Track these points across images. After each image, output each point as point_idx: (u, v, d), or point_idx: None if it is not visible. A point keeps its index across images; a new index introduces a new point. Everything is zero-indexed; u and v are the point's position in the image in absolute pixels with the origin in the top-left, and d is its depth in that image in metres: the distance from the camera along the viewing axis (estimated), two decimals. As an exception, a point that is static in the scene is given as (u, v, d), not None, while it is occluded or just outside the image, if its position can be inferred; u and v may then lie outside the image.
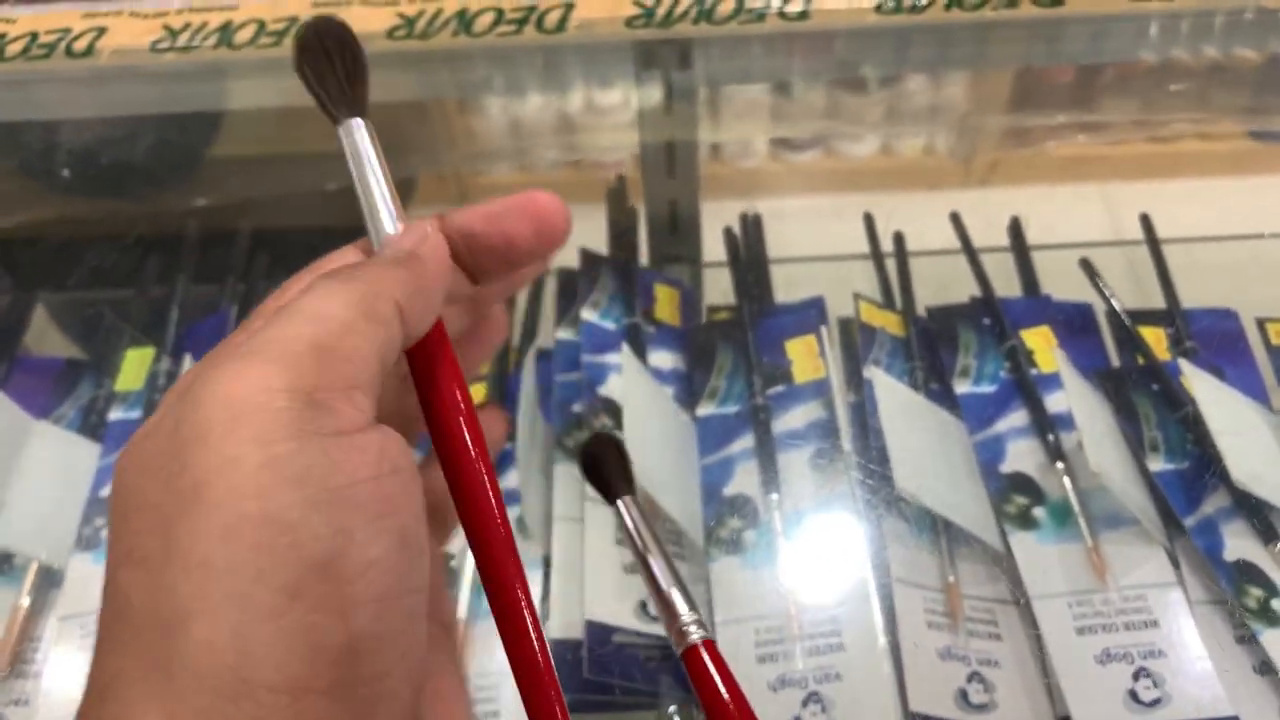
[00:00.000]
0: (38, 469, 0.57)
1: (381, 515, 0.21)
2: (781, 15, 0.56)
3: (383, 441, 0.22)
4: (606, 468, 0.41)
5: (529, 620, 0.25)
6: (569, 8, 0.58)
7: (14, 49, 0.60)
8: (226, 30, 0.59)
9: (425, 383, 0.26)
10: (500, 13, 0.58)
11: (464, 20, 0.57)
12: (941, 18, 0.56)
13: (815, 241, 0.78)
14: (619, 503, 0.40)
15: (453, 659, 0.30)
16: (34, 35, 0.60)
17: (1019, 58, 0.61)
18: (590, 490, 0.54)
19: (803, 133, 0.71)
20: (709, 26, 0.57)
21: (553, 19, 0.57)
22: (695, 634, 0.34)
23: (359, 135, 0.29)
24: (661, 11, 0.57)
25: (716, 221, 0.68)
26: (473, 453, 0.26)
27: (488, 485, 0.25)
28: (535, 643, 0.24)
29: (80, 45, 0.59)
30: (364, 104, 0.29)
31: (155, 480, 0.21)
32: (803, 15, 0.56)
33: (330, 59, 0.29)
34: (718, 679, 0.33)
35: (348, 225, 0.29)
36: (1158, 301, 0.64)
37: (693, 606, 0.35)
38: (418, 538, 0.22)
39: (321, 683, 0.19)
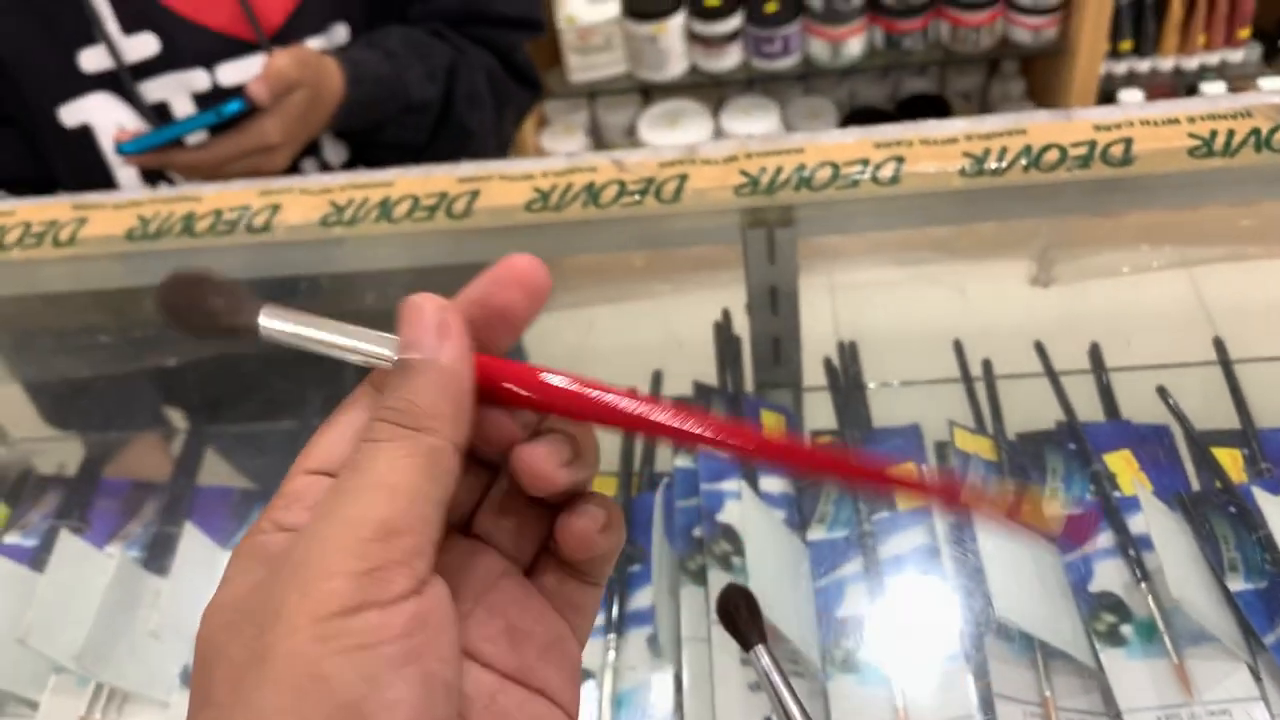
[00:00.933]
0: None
1: (407, 664, 0.27)
2: (874, 180, 0.63)
3: (422, 604, 0.28)
4: (740, 619, 0.48)
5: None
6: (683, 179, 0.65)
7: (203, 226, 0.69)
8: (385, 205, 0.67)
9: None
10: (623, 185, 0.65)
11: (592, 193, 0.65)
12: (1020, 179, 0.63)
13: (899, 315, 0.84)
14: (753, 651, 0.47)
15: None
16: (219, 212, 0.69)
17: (1094, 207, 0.67)
18: (716, 614, 0.60)
19: (891, 263, 0.77)
20: (809, 193, 0.64)
21: (669, 190, 0.65)
22: None
23: (278, 322, 0.32)
24: (765, 180, 0.64)
25: (811, 295, 0.73)
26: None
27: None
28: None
29: (259, 221, 0.68)
30: (254, 301, 0.32)
31: (237, 640, 0.28)
32: (894, 180, 0.63)
33: (205, 292, 0.32)
34: None
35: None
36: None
37: None
38: (443, 675, 0.28)
39: None
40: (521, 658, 0.32)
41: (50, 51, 0.85)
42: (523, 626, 0.33)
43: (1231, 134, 0.62)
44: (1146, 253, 0.75)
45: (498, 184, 0.67)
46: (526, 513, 0.34)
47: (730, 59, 2.01)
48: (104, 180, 0.90)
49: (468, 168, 0.68)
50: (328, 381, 0.73)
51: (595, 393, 0.32)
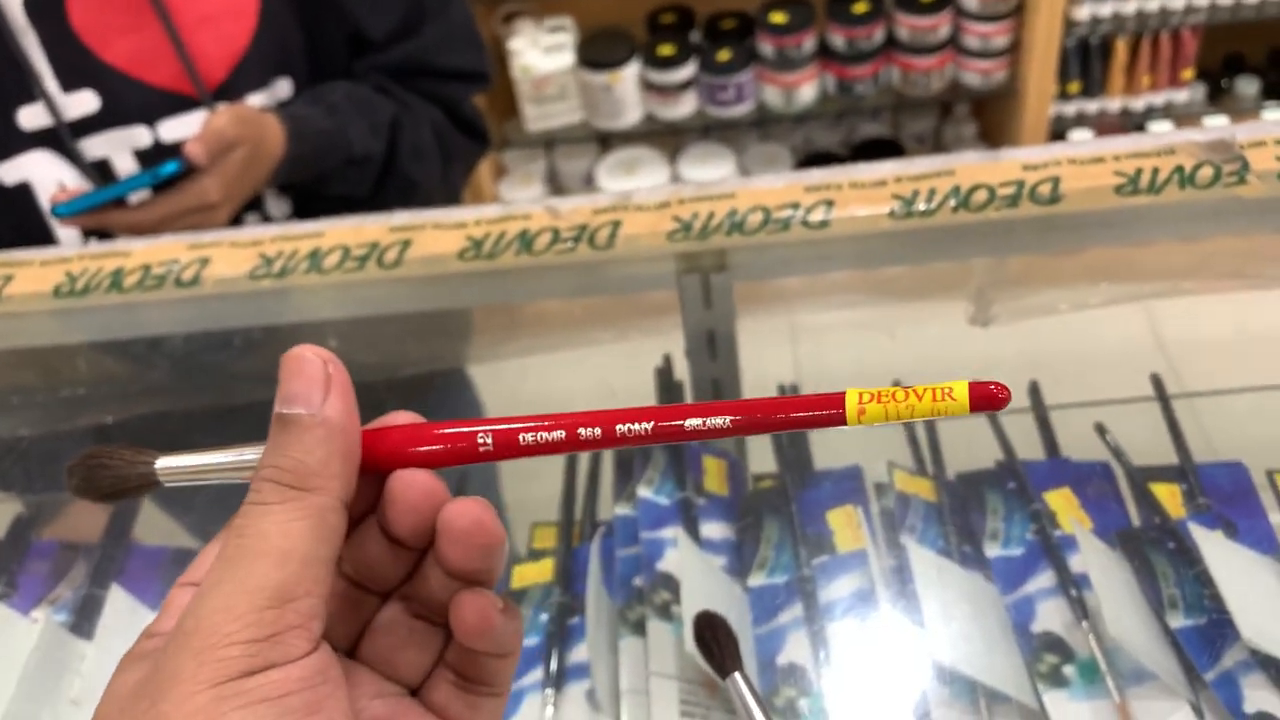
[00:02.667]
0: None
1: (310, 714, 0.27)
2: (805, 224, 0.63)
3: (321, 659, 0.28)
4: (719, 645, 0.48)
5: None
6: (617, 225, 0.65)
7: (131, 281, 0.68)
8: (315, 256, 0.67)
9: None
10: (556, 232, 0.65)
11: (525, 240, 0.65)
12: (950, 219, 0.63)
13: (840, 356, 0.84)
14: (731, 678, 0.46)
15: None
16: (147, 267, 0.69)
17: (1025, 247, 0.68)
18: (654, 665, 0.59)
19: (832, 306, 0.77)
20: (741, 237, 0.64)
21: (602, 236, 0.65)
22: None
23: (168, 467, 0.33)
24: (698, 226, 0.64)
25: (752, 339, 0.73)
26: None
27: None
28: None
29: (188, 275, 0.68)
30: (148, 453, 0.33)
31: (130, 714, 0.27)
32: (824, 224, 0.63)
33: (113, 457, 0.33)
34: None
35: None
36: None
37: None
38: None
39: None
40: None
41: (-13, 109, 0.85)
42: None
43: (1156, 171, 0.62)
44: (1085, 290, 0.76)
45: (430, 233, 0.66)
46: (413, 633, 0.34)
47: (685, 107, 2.02)
48: (44, 238, 0.89)
49: (401, 217, 0.68)
50: (257, 435, 0.72)
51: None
